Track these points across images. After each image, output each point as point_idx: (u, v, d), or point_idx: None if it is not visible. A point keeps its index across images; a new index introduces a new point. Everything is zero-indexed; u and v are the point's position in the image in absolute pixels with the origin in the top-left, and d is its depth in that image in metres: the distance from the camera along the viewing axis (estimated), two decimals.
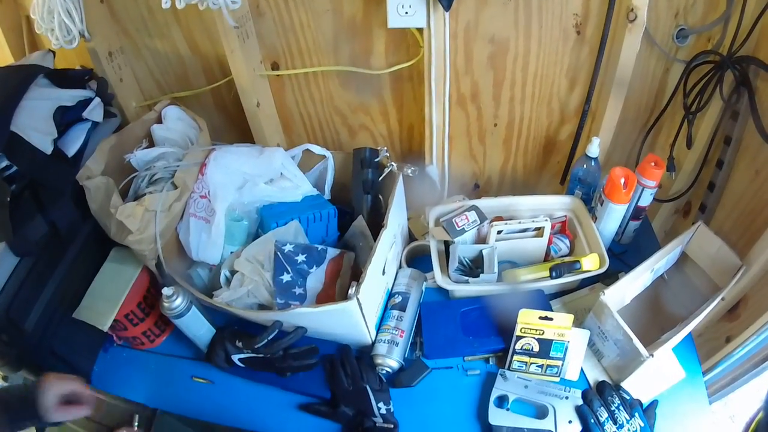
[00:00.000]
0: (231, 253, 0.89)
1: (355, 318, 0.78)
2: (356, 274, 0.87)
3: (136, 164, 0.94)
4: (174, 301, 0.85)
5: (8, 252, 0.89)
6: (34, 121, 0.95)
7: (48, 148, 0.94)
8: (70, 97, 1.00)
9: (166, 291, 0.85)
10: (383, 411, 0.83)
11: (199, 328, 0.88)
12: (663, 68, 1.04)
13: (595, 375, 0.91)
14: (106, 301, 0.95)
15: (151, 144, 0.97)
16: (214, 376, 0.93)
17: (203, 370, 0.94)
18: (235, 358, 0.86)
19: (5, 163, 0.92)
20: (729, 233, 0.97)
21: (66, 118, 0.99)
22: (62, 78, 1.03)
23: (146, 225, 0.87)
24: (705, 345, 1.01)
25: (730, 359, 0.98)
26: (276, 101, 0.98)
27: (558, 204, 1.00)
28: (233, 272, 0.87)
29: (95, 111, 1.01)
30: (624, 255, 1.06)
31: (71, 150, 0.98)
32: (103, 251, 1.03)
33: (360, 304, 0.76)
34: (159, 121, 0.98)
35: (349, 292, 0.75)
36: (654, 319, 0.98)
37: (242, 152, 0.88)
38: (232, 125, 1.07)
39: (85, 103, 1.02)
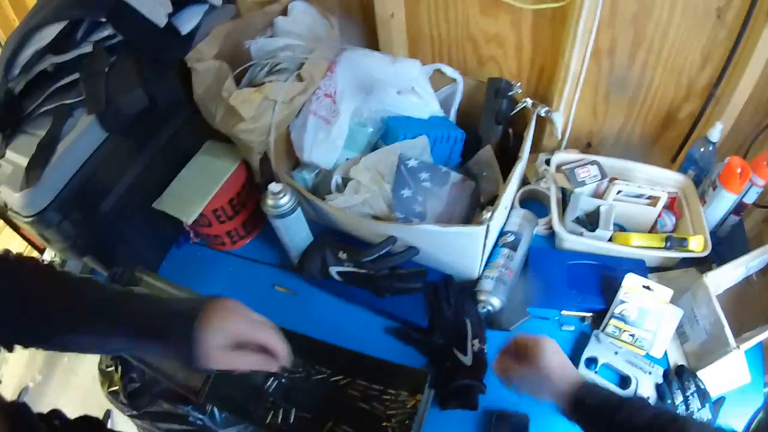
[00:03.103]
0: (347, 159, 0.84)
1: (477, 245, 0.75)
2: (474, 203, 0.83)
3: (255, 53, 0.88)
4: (281, 198, 0.80)
5: (96, 125, 0.83)
6: None
7: (161, 21, 0.88)
8: None
9: (274, 187, 0.80)
10: (476, 348, 0.79)
11: (298, 232, 0.83)
12: None
13: (675, 358, 0.90)
14: (194, 193, 0.90)
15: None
16: (298, 287, 0.88)
17: (287, 279, 0.89)
18: (334, 270, 0.82)
19: (108, 31, 0.87)
20: None
21: None
22: None
23: (261, 114, 0.82)
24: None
25: None
26: (408, 15, 0.94)
27: (670, 180, 0.98)
28: (346, 180, 0.82)
29: None
30: (717, 247, 1.04)
31: (185, 28, 0.92)
32: (195, 145, 0.97)
33: (488, 231, 0.73)
34: (284, 13, 0.93)
35: (484, 215, 0.71)
36: (734, 317, 0.96)
37: (376, 57, 0.84)
38: (357, 33, 1.02)
39: None
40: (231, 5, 0.99)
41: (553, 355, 0.61)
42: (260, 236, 0.95)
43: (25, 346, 0.53)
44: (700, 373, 0.87)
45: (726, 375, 0.87)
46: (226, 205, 0.89)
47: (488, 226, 0.72)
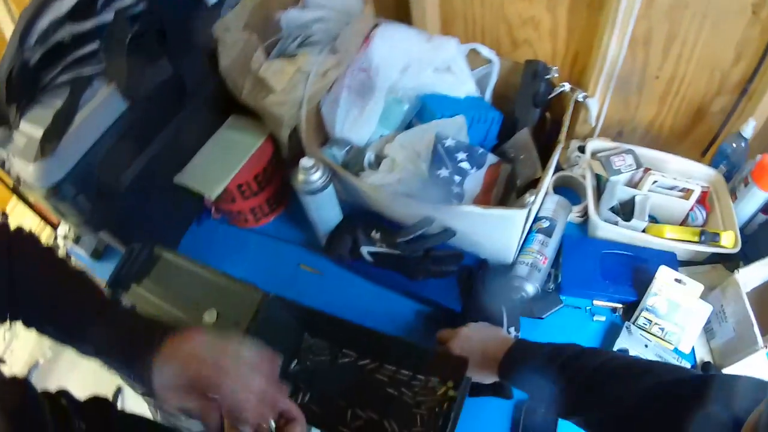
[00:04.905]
0: (380, 136, 0.81)
1: (517, 229, 0.73)
2: (509, 187, 0.81)
3: (286, 25, 0.85)
4: (313, 174, 0.77)
5: (116, 96, 0.79)
6: None
7: None
8: None
9: (306, 162, 0.77)
10: (512, 336, 0.77)
11: (329, 210, 0.80)
12: None
13: (701, 354, 0.88)
14: (218, 168, 0.86)
15: None
16: (323, 266, 0.85)
17: (312, 258, 0.86)
18: (365, 250, 0.79)
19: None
20: None
21: None
22: None
23: (294, 86, 0.79)
24: None
25: None
26: None
27: (701, 174, 0.96)
28: (379, 158, 0.79)
29: None
30: (743, 245, 1.03)
31: None
32: (218, 119, 0.94)
33: (529, 215, 0.70)
34: None
35: (527, 198, 0.69)
36: (759, 317, 0.95)
37: (412, 33, 0.81)
38: (389, 9, 1.00)
39: None
40: None
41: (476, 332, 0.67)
42: (284, 214, 0.92)
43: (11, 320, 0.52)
44: (724, 371, 0.86)
45: (749, 374, 0.86)
46: (251, 181, 0.86)
47: (530, 210, 0.70)
